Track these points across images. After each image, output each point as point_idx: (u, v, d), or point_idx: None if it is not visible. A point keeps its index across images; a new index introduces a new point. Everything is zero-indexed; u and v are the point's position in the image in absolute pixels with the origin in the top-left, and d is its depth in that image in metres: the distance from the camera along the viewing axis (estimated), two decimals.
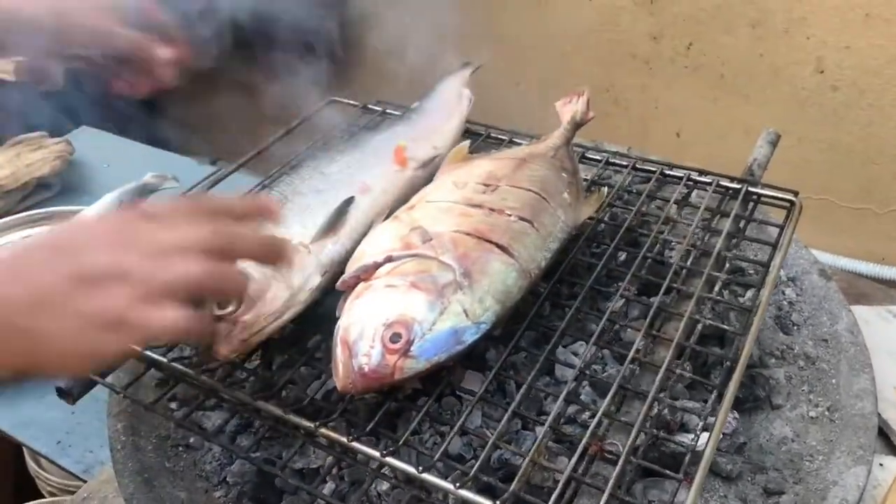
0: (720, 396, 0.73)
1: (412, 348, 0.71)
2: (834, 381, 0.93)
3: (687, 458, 0.69)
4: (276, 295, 0.77)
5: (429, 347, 0.72)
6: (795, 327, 1.01)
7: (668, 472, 0.68)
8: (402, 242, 0.80)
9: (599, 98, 1.69)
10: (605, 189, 0.96)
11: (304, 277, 0.80)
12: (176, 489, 0.86)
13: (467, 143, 1.01)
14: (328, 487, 0.81)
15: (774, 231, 0.93)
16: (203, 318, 0.61)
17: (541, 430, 0.72)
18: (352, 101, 1.19)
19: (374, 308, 0.74)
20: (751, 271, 1.04)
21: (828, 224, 1.54)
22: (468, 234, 0.80)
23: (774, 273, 0.85)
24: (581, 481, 0.68)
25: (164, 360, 0.78)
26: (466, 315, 0.74)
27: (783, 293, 1.05)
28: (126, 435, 0.88)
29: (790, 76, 1.43)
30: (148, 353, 0.78)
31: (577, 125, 1.05)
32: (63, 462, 1.06)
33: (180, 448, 0.90)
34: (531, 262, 0.80)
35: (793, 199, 0.95)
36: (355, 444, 0.70)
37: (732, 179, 1.00)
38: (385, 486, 0.78)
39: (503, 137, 1.10)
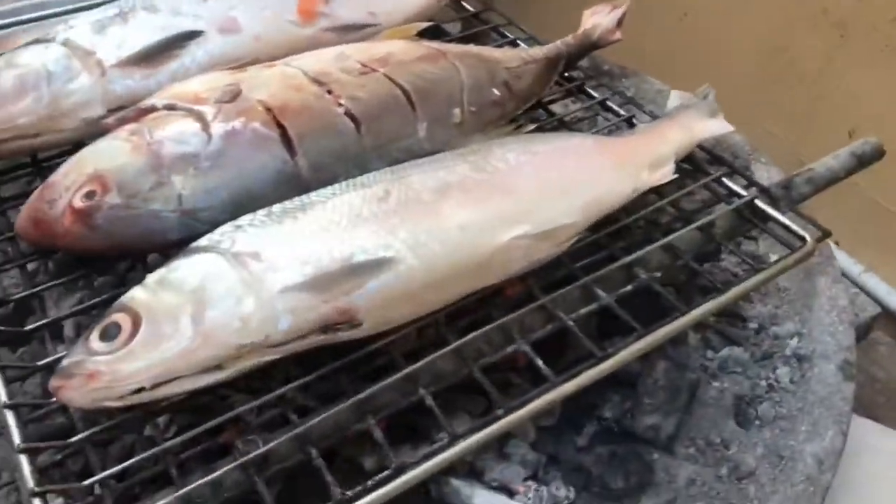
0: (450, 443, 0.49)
1: (95, 215, 0.55)
2: None
3: None
4: (28, 108, 0.63)
5: (113, 223, 0.55)
6: (756, 422, 0.68)
7: None
8: (201, 94, 0.61)
9: (773, 59, 1.29)
10: (531, 126, 0.68)
11: (79, 101, 0.64)
12: None
13: (420, 24, 0.77)
14: None
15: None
16: None
17: None
18: None
19: (96, 153, 0.58)
20: None
21: None
22: (269, 108, 0.59)
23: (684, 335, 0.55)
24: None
25: None
26: (180, 203, 0.55)
27: (774, 370, 0.71)
28: None
29: None
30: None
31: (591, 44, 0.77)
32: None
33: None
34: (321, 170, 0.58)
35: (807, 237, 0.61)
36: None
37: (749, 184, 0.67)
38: None
39: (510, 36, 0.84)
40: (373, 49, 0.68)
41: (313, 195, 0.54)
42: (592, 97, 0.76)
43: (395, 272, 0.50)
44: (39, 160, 0.68)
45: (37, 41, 0.67)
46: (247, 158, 0.57)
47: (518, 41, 0.83)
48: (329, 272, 0.49)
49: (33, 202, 0.57)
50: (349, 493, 0.46)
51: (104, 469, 0.47)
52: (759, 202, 0.64)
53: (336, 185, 0.55)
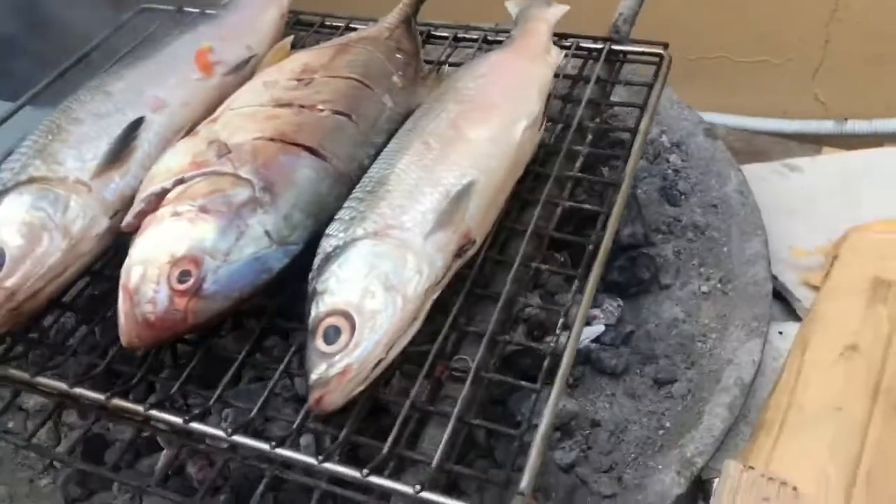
0: (582, 285, 0.63)
1: (205, 286, 0.59)
2: (725, 248, 0.84)
3: (545, 363, 0.59)
4: (51, 248, 0.64)
5: (225, 282, 0.60)
6: (682, 196, 0.91)
7: (523, 382, 0.59)
8: (195, 160, 0.66)
9: None
10: (446, 68, 0.83)
11: (86, 222, 0.66)
12: None
13: (289, 38, 0.86)
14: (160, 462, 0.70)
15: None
16: None
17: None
18: (167, 7, 1.02)
19: (158, 243, 0.61)
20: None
21: (726, 83, 1.44)
22: (271, 139, 0.67)
23: (641, 138, 0.74)
24: (426, 410, 0.58)
25: None
26: (270, 237, 0.62)
27: (667, 161, 0.95)
28: None
29: None
30: None
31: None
32: None
33: None
34: (350, 161, 0.68)
35: (661, 52, 0.84)
36: (154, 413, 0.58)
37: (595, 39, 0.88)
38: None
39: (339, 24, 0.96)
40: (286, 68, 0.77)
41: (373, 173, 0.65)
42: (444, 38, 0.91)
43: (478, 190, 0.63)
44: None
45: None
46: (296, 180, 0.64)
47: (350, 27, 0.95)
48: (444, 210, 0.60)
49: (129, 312, 0.59)
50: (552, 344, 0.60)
51: None
52: (614, 46, 0.86)
53: (385, 158, 0.66)
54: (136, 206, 0.66)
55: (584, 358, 0.76)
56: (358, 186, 0.64)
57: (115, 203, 0.68)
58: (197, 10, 1.00)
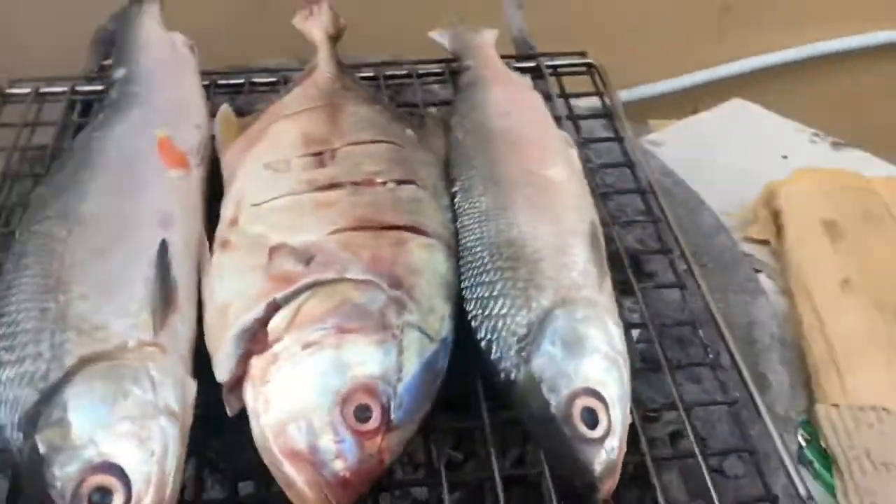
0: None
1: (394, 412, 0.50)
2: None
3: None
4: (167, 442, 0.47)
5: (409, 401, 0.51)
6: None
7: None
8: (275, 276, 0.55)
9: None
10: (432, 109, 0.78)
11: (180, 390, 0.50)
12: None
13: (226, 106, 0.73)
14: None
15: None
16: None
17: None
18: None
19: (307, 386, 0.50)
20: None
21: None
22: (355, 228, 0.58)
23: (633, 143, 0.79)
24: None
25: None
26: (427, 336, 0.54)
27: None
28: None
29: None
30: None
31: (335, 40, 0.83)
32: None
33: None
34: (444, 230, 0.62)
35: (591, 61, 0.89)
36: None
37: (519, 58, 0.89)
38: None
39: (238, 81, 0.84)
40: (281, 145, 0.66)
41: (491, 237, 0.60)
42: (372, 77, 0.85)
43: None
44: None
45: None
46: (417, 266, 0.56)
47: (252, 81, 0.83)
48: (596, 257, 0.59)
49: (313, 479, 0.47)
50: None
51: None
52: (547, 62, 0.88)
53: (489, 219, 0.61)
54: (232, 352, 0.52)
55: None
56: (480, 256, 0.59)
57: (188, 356, 0.53)
58: (27, 91, 0.81)
